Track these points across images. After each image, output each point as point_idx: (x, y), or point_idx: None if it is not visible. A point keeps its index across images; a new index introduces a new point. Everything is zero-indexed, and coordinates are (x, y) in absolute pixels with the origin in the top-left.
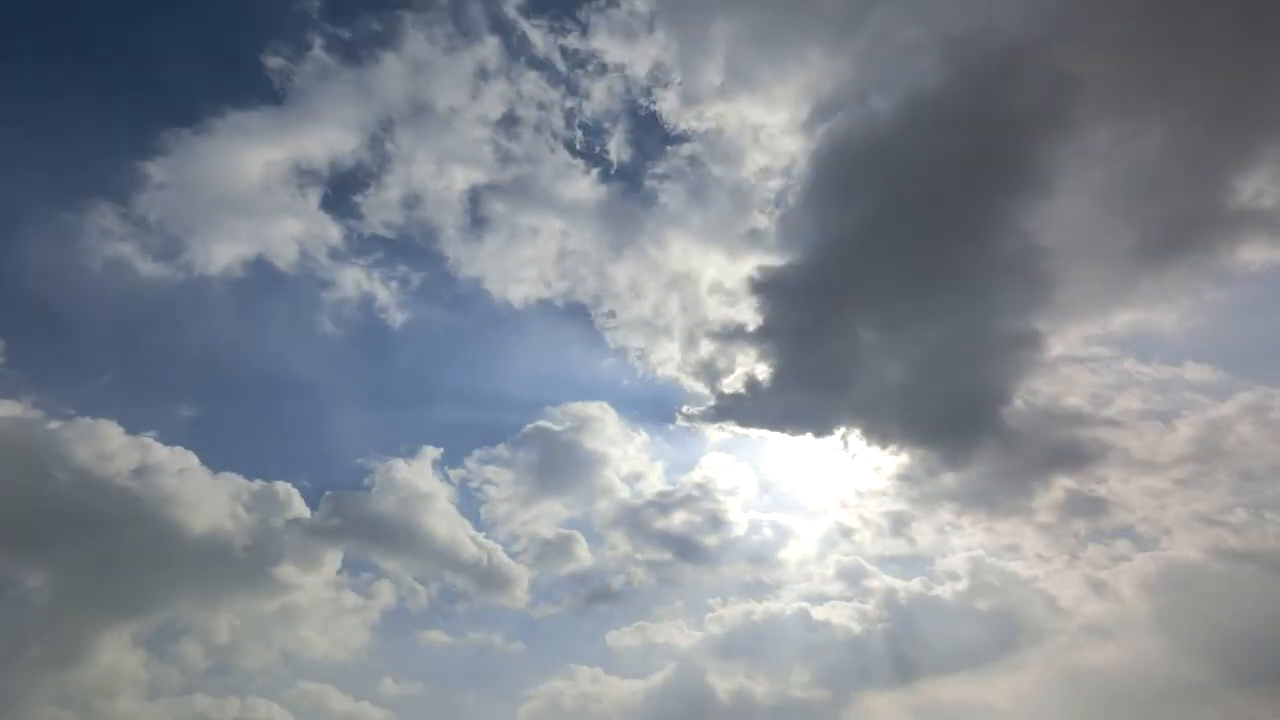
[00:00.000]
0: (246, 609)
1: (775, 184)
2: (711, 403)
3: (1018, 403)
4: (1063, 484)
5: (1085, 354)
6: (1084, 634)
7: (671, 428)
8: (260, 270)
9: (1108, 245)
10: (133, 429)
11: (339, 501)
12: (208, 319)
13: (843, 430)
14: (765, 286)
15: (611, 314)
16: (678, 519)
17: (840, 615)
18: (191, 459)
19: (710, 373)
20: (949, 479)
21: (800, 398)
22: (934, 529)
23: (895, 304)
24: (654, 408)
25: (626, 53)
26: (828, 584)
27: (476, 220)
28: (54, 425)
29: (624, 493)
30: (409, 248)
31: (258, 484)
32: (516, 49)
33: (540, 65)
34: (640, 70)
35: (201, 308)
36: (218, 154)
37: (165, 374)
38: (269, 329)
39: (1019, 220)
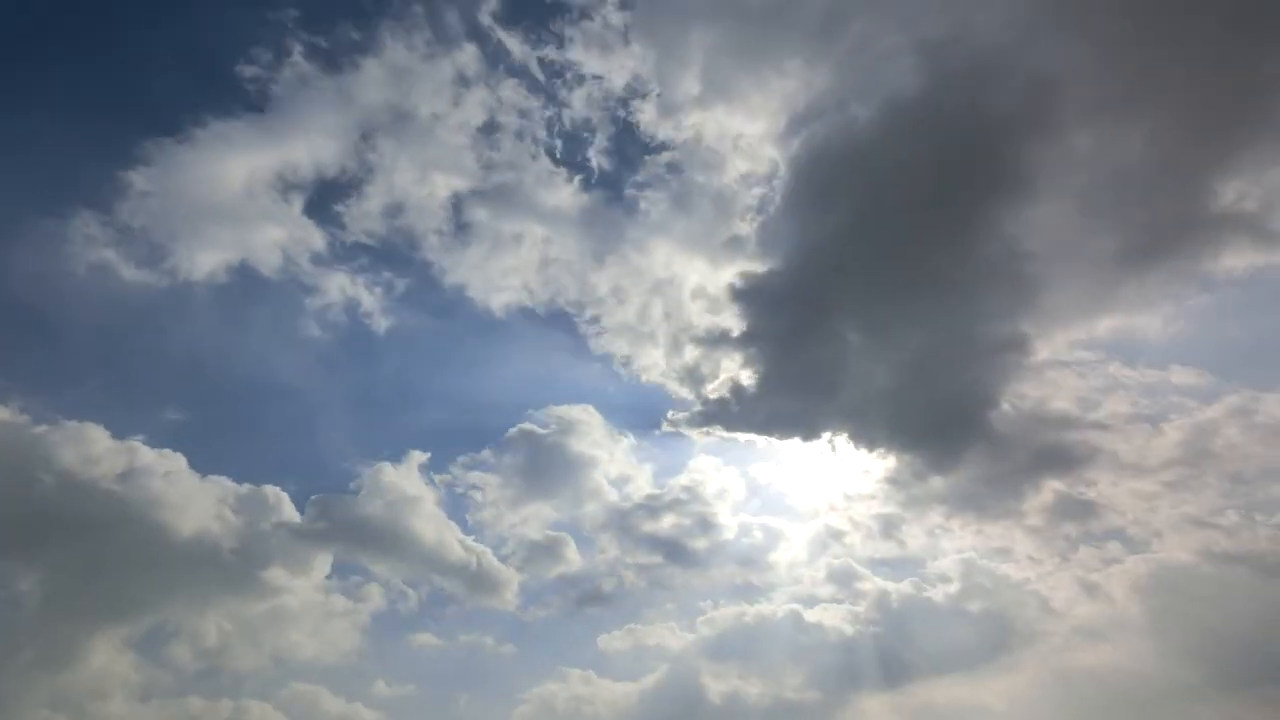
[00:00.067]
0: (237, 612)
1: (756, 191)
2: (698, 408)
3: (1005, 406)
4: (1052, 487)
5: (1071, 358)
6: (1076, 636)
7: (658, 433)
8: (245, 276)
9: (1091, 250)
10: (120, 433)
11: (327, 505)
12: (193, 324)
13: (830, 434)
14: (747, 293)
15: (595, 320)
16: (667, 522)
17: (832, 617)
18: (180, 462)
19: (695, 378)
20: (938, 482)
21: (786, 402)
22: (924, 532)
23: (880, 309)
24: (640, 413)
25: (603, 64)
26: (819, 586)
27: (460, 227)
28: (41, 429)
29: (612, 496)
30: (393, 255)
31: (246, 487)
32: (495, 56)
33: (519, 73)
34: (618, 82)
35: (187, 313)
36: (200, 162)
37: (152, 379)
38: (254, 334)
39: (1002, 225)
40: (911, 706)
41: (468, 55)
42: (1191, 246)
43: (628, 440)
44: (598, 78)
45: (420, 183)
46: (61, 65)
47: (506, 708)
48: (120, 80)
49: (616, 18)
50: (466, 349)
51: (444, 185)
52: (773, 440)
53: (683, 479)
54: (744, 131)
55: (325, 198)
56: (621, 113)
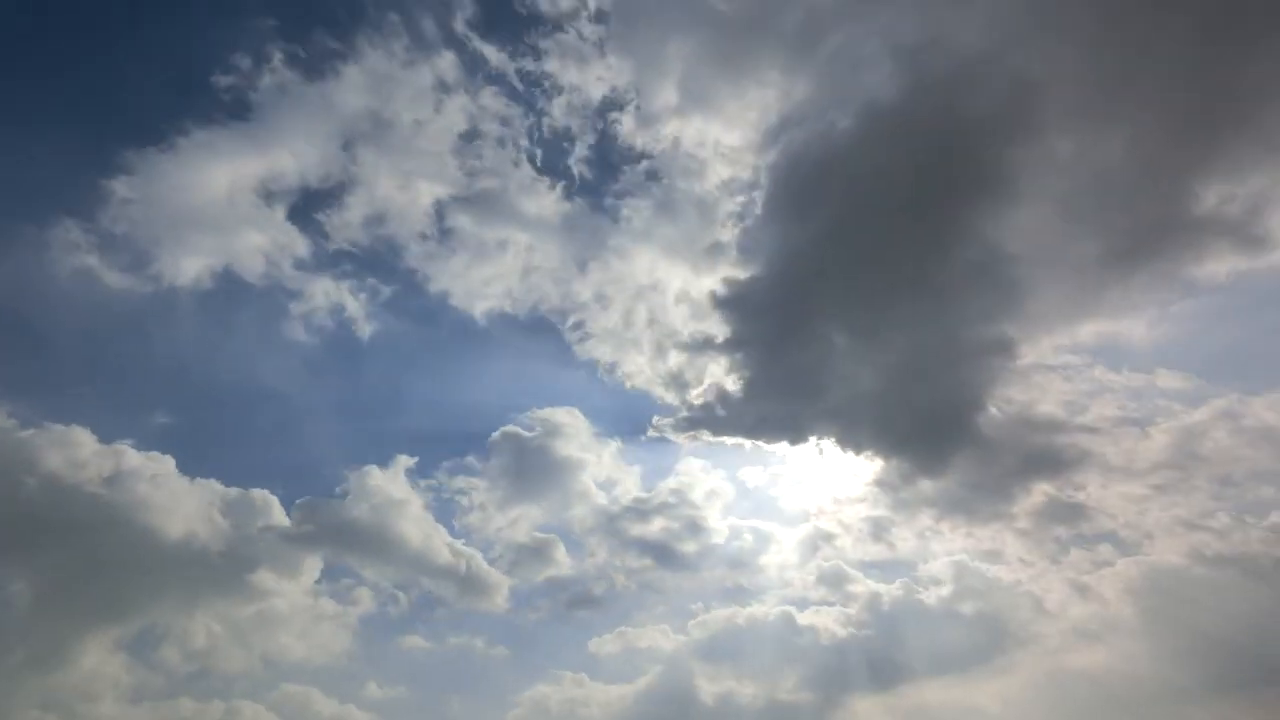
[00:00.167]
0: (226, 614)
1: (737, 198)
2: (683, 413)
3: (992, 410)
4: (1042, 490)
5: (1056, 362)
6: (1069, 638)
7: (643, 438)
8: (229, 282)
9: (1073, 254)
10: (107, 437)
11: (314, 509)
12: (179, 330)
13: (817, 438)
14: (730, 299)
15: (579, 326)
16: (656, 525)
17: (824, 619)
18: (168, 465)
19: (680, 383)
20: (926, 485)
21: (772, 406)
22: (914, 534)
23: (863, 313)
24: (626, 418)
25: (580, 76)
26: (810, 589)
27: (444, 232)
28: (28, 433)
29: (600, 499)
30: (377, 261)
31: (235, 491)
32: (473, 64)
33: (497, 80)
34: (595, 93)
35: (172, 319)
36: (183, 170)
37: (139, 383)
38: (240, 340)
39: (984, 228)
40: (905, 708)
41: (446, 62)
42: (1174, 250)
43: (614, 444)
44: (575, 88)
45: (403, 189)
46: (43, 76)
47: (500, 710)
48: (102, 90)
49: (591, 30)
50: (451, 355)
51: (427, 192)
52: (760, 444)
53: (671, 482)
54: (724, 139)
55: (308, 204)
56: (600, 123)
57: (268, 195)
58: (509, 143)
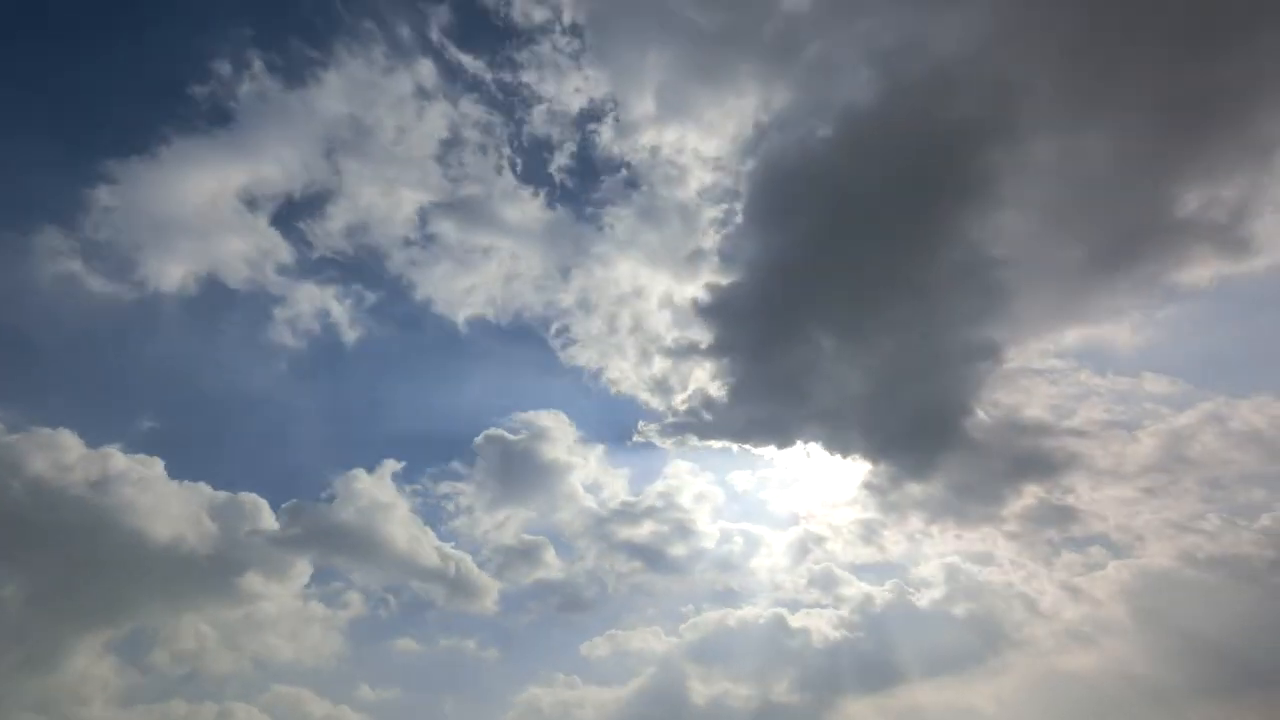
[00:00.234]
0: (216, 617)
1: (719, 206)
2: (669, 419)
3: (979, 413)
4: (1032, 493)
5: (1042, 366)
6: (1061, 640)
7: (629, 443)
8: (213, 287)
9: (1058, 258)
10: (94, 441)
11: (302, 512)
12: (164, 335)
13: (804, 442)
14: (713, 305)
15: (564, 332)
16: (645, 528)
17: (817, 622)
18: (157, 467)
19: (665, 389)
20: (915, 489)
21: (759, 410)
22: (905, 537)
23: (848, 318)
24: (613, 422)
25: (557, 87)
26: (801, 592)
27: (427, 238)
28: (15, 438)
29: (588, 502)
30: (361, 267)
31: (223, 495)
32: (452, 71)
33: (476, 87)
34: (574, 103)
35: (157, 324)
36: (165, 178)
37: (126, 388)
38: (225, 345)
39: (969, 233)
40: (898, 709)
41: (425, 69)
42: (1158, 254)
43: (601, 447)
44: (554, 99)
45: (385, 195)
46: (24, 86)
47: (493, 712)
48: (84, 100)
49: (565, 42)
50: (436, 361)
51: (409, 198)
52: (748, 448)
53: (659, 485)
54: (703, 148)
55: (291, 210)
56: (579, 132)
57: (250, 201)
58: (490, 150)
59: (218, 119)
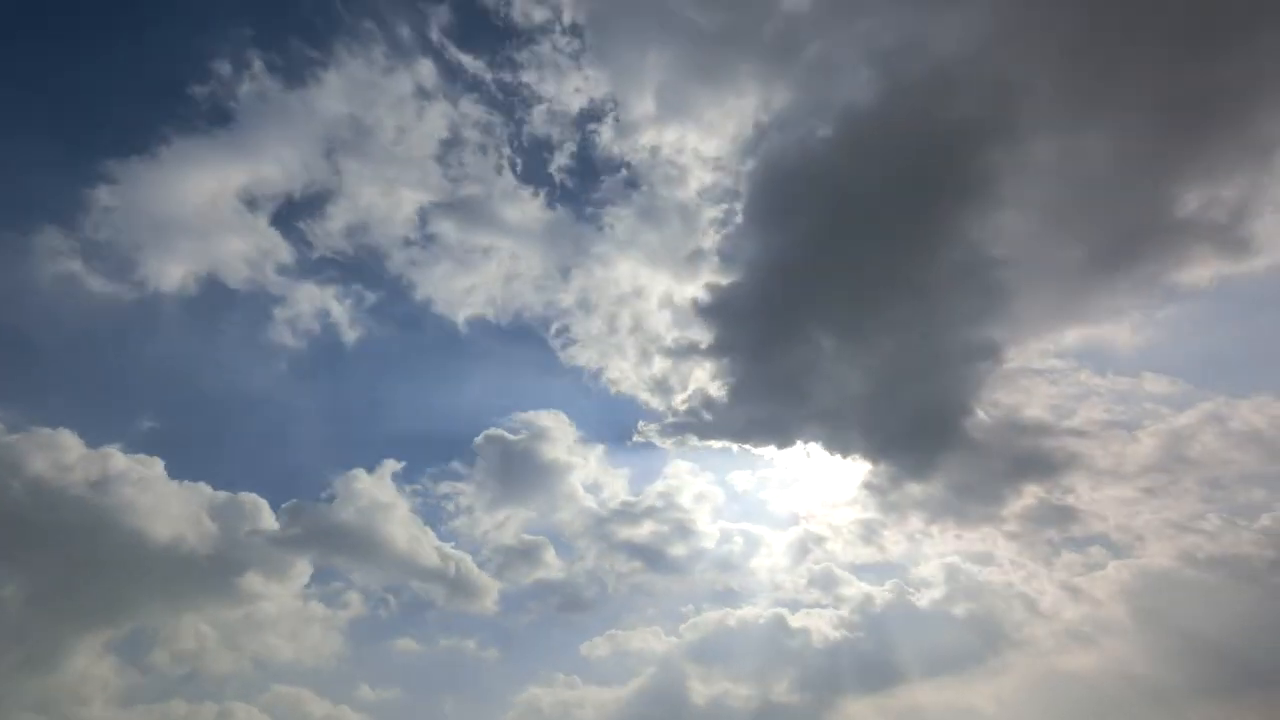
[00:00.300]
0: (216, 617)
1: (719, 205)
2: (669, 419)
3: (979, 413)
4: (1032, 492)
5: (1042, 366)
6: (1062, 640)
7: (629, 443)
8: (213, 287)
9: (1058, 258)
10: (94, 441)
11: (302, 512)
12: (164, 335)
13: (803, 442)
14: (714, 305)
15: (564, 332)
16: (645, 528)
17: (817, 621)
18: (157, 467)
19: (665, 389)
20: (915, 489)
21: (759, 410)
22: (905, 537)
23: (848, 318)
24: (613, 422)
25: (557, 88)
26: (801, 592)
27: (427, 238)
28: (15, 438)
29: (588, 502)
30: (361, 267)
31: (223, 495)
32: (452, 71)
33: (476, 87)
34: (574, 103)
35: (157, 324)
36: (165, 179)
37: (126, 388)
38: (226, 345)
39: (969, 233)
40: (898, 709)
41: (425, 69)
42: (1158, 254)
43: (601, 447)
44: (554, 99)
45: (385, 195)
46: (23, 86)
47: (494, 711)
48: (84, 100)
49: (565, 43)
50: (436, 361)
51: (409, 198)
52: (748, 448)
53: (659, 485)
54: (703, 148)
55: (292, 210)
56: (579, 132)
57: (250, 201)
58: (490, 150)
59: (218, 119)
